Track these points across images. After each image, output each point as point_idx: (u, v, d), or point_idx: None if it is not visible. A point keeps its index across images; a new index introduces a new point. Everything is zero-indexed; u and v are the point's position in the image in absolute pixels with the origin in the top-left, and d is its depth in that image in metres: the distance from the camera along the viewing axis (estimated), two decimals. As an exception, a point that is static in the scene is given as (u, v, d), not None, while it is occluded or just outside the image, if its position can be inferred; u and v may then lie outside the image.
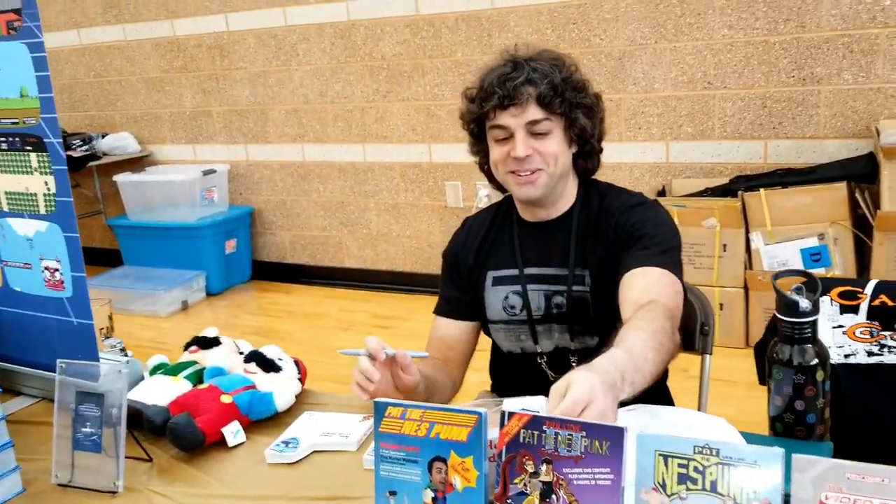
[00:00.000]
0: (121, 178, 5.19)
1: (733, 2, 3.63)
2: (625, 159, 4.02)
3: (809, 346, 1.17)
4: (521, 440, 1.05)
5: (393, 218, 4.80)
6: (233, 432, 1.51)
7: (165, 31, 5.17)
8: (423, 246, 4.73)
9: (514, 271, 1.70)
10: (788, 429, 1.19)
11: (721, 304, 3.61)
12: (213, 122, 5.23)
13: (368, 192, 4.83)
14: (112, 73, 5.49)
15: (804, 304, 1.15)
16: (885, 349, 1.71)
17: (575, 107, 1.57)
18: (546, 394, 1.66)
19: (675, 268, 1.53)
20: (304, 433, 1.49)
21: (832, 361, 1.72)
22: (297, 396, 1.63)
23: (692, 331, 1.87)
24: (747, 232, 3.52)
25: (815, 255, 3.41)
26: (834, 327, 1.74)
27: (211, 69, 5.10)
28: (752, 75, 3.68)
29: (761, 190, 3.45)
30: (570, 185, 1.68)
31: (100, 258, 5.74)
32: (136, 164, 5.48)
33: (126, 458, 1.46)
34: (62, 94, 5.73)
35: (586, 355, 1.65)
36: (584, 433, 1.02)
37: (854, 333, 1.74)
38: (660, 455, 0.98)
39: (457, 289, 1.77)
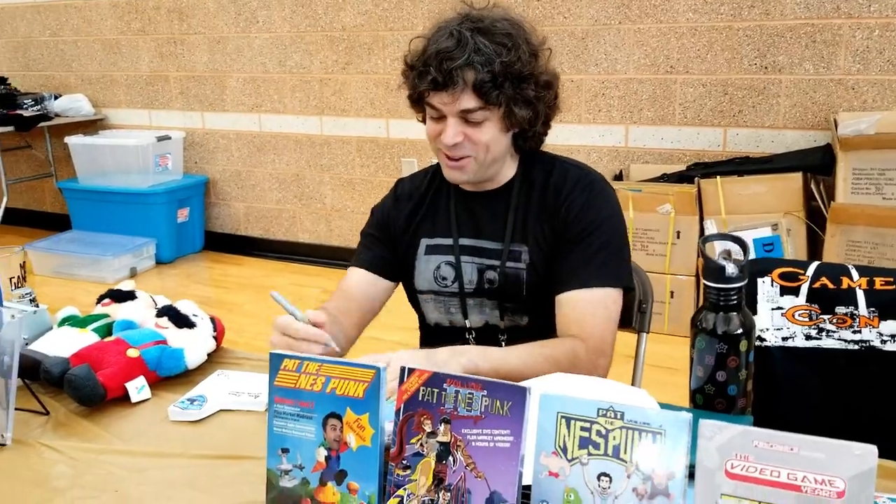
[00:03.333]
0: (73, 140, 5.04)
1: (699, -14, 3.59)
2: (584, 142, 3.97)
3: (735, 314, 1.12)
4: (420, 398, 0.99)
5: (348, 193, 4.71)
6: (137, 388, 1.43)
7: (124, -9, 5.03)
8: (379, 222, 4.64)
9: (449, 240, 1.62)
10: (709, 401, 1.14)
11: (672, 292, 3.58)
12: (169, 87, 5.09)
13: (324, 166, 4.73)
14: (68, 32, 5.32)
15: (731, 269, 1.10)
16: (824, 333, 1.68)
17: (513, 99, 1.45)
18: None
19: (616, 269, 1.52)
20: (212, 391, 1.42)
21: (769, 343, 1.69)
22: (210, 354, 1.55)
23: (630, 308, 1.83)
24: (701, 220, 3.49)
25: (767, 246, 3.39)
26: (773, 309, 1.71)
27: (169, 33, 4.96)
28: (714, 61, 3.64)
29: (717, 177, 3.42)
30: (509, 163, 1.60)
31: (50, 222, 5.60)
32: (90, 127, 5.33)
33: (21, 410, 1.39)
34: (16, 53, 5.56)
35: (515, 334, 1.59)
36: (484, 392, 0.96)
37: (793, 316, 1.70)
38: (562, 417, 0.93)
39: (382, 246, 1.69)
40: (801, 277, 1.71)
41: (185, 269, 4.94)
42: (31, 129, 5.03)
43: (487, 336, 1.63)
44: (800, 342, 1.68)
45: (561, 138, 3.95)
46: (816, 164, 3.36)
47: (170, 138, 4.94)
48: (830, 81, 3.45)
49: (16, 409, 1.34)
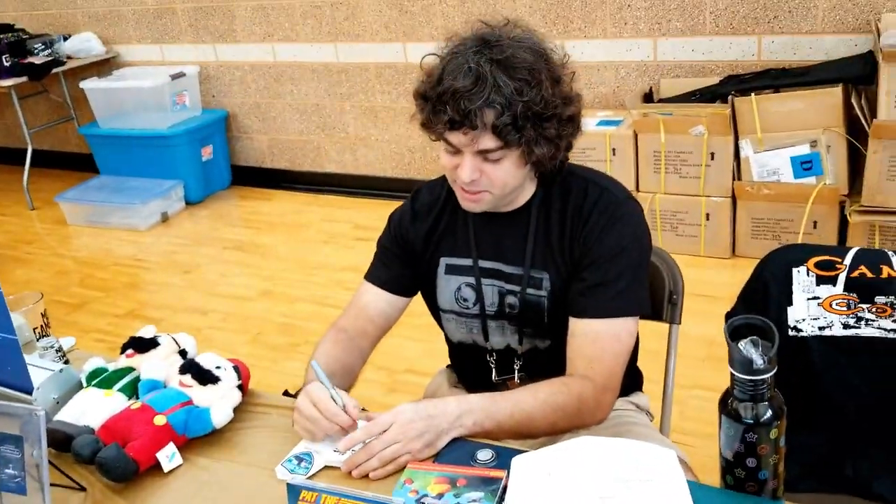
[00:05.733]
0: (88, 85, 4.96)
1: None
2: (610, 57, 3.79)
3: (765, 403, 1.07)
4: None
5: (370, 121, 4.60)
6: (167, 456, 1.44)
7: (119, -78, 4.81)
8: (403, 150, 4.56)
9: (469, 261, 1.57)
10: (739, 483, 1.11)
11: (707, 214, 3.49)
12: (178, 20, 4.94)
13: (344, 95, 4.61)
14: (68, -33, 5.15)
15: (759, 362, 1.04)
16: (862, 322, 1.62)
17: (534, 141, 1.37)
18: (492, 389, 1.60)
19: (635, 296, 1.47)
20: (317, 448, 1.40)
21: (805, 334, 1.64)
22: (237, 408, 1.55)
23: (660, 299, 1.78)
24: (736, 139, 3.35)
25: (805, 164, 3.25)
26: (809, 299, 1.65)
27: (171, -37, 4.77)
28: (745, -36, 3.40)
29: (752, 95, 3.25)
30: (527, 186, 1.52)
31: (77, 163, 5.59)
32: (104, 66, 5.23)
33: (58, 486, 1.41)
34: (19, -8, 5.42)
35: (533, 357, 1.58)
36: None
37: (830, 305, 1.64)
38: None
39: (399, 263, 1.64)
40: (839, 266, 1.64)
41: (215, 208, 4.93)
42: (44, 77, 4.95)
43: (506, 359, 1.61)
44: (837, 331, 1.63)
45: (587, 55, 3.77)
46: (857, 75, 3.17)
47: (184, 75, 4.84)
48: (872, -19, 3.21)
49: (52, 484, 1.36)
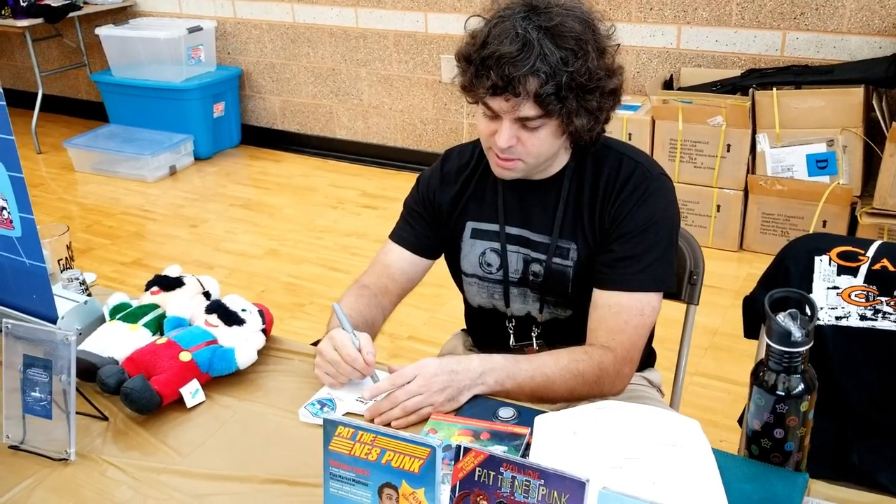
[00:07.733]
0: (103, 32, 4.93)
1: None
2: (633, 42, 3.78)
3: (798, 375, 1.08)
4: (477, 478, 0.99)
5: (385, 90, 4.59)
6: (191, 392, 1.45)
7: None
8: (415, 121, 4.54)
9: (495, 226, 1.58)
10: (764, 453, 1.13)
11: (718, 206, 3.50)
12: (198, -27, 4.90)
13: (360, 61, 4.59)
14: (90, -88, 5.10)
15: (797, 334, 1.05)
16: (880, 315, 1.64)
17: (575, 111, 1.37)
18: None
19: (661, 273, 1.48)
20: (339, 395, 1.42)
21: (822, 323, 1.66)
22: (260, 351, 1.56)
23: (680, 278, 1.79)
24: (754, 133, 3.36)
25: (821, 163, 3.27)
26: (829, 288, 1.67)
27: (196, -85, 4.73)
28: (776, -41, 3.40)
29: (773, 90, 3.26)
30: (561, 155, 1.53)
31: (86, 110, 5.57)
32: (120, 14, 5.19)
33: (81, 414, 1.42)
34: (38, -67, 5.35)
35: (552, 327, 1.59)
36: (542, 481, 0.95)
37: (849, 296, 1.66)
38: (621, 515, 0.92)
39: (425, 224, 1.65)
40: (861, 258, 1.66)
41: (223, 166, 4.92)
42: (60, 21, 4.91)
43: (525, 326, 1.63)
44: (854, 322, 1.65)
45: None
46: (880, 77, 3.18)
47: (201, 29, 4.81)
48: (902, -15, 3.21)
49: (76, 412, 1.37)
